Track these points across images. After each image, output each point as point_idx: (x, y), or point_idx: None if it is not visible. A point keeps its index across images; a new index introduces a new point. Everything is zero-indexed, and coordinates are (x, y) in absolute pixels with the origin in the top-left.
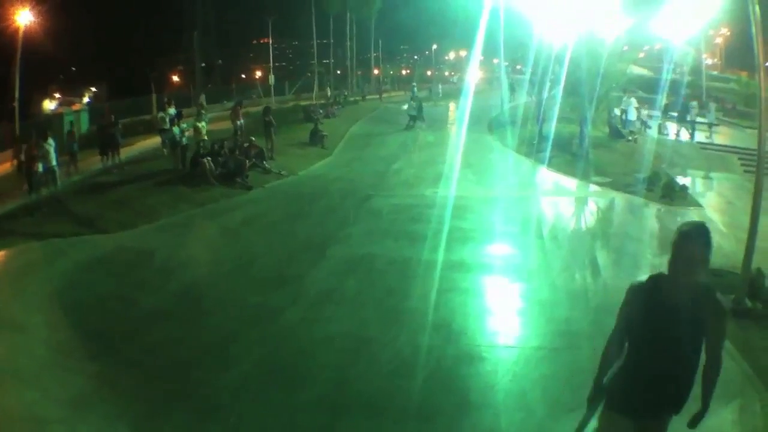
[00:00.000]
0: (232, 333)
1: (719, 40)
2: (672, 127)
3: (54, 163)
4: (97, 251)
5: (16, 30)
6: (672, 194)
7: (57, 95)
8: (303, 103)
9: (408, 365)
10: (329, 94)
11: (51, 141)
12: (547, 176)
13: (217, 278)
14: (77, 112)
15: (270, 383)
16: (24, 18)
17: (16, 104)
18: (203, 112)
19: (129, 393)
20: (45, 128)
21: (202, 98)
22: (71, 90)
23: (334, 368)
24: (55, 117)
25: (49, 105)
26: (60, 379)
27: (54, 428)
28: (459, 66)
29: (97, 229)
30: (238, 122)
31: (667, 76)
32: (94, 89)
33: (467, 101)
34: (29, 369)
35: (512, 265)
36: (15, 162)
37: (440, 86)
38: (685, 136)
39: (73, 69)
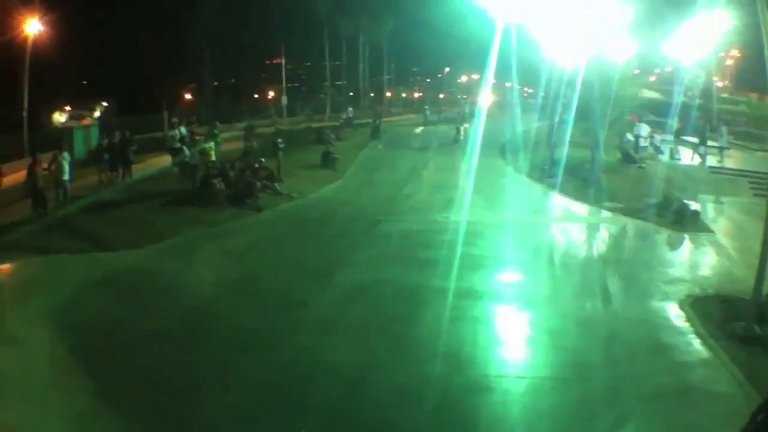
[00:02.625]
0: (234, 357)
1: (730, 62)
2: (684, 152)
3: (66, 177)
4: (102, 269)
5: (26, 39)
6: (683, 219)
7: (67, 108)
8: (315, 125)
9: (415, 395)
10: (346, 116)
11: (66, 155)
12: (558, 202)
13: (222, 301)
14: (87, 126)
15: (270, 410)
16: (32, 27)
17: (24, 114)
18: (216, 132)
19: (129, 413)
20: (61, 141)
21: (214, 125)
22: (81, 104)
23: (338, 397)
24: (65, 130)
25: (59, 118)
26: (60, 395)
27: None
28: (471, 89)
29: (103, 246)
30: (249, 144)
31: (678, 100)
32: (105, 104)
33: (479, 125)
34: (29, 384)
35: (522, 293)
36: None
37: (467, 107)
38: (696, 160)
39: (84, 83)
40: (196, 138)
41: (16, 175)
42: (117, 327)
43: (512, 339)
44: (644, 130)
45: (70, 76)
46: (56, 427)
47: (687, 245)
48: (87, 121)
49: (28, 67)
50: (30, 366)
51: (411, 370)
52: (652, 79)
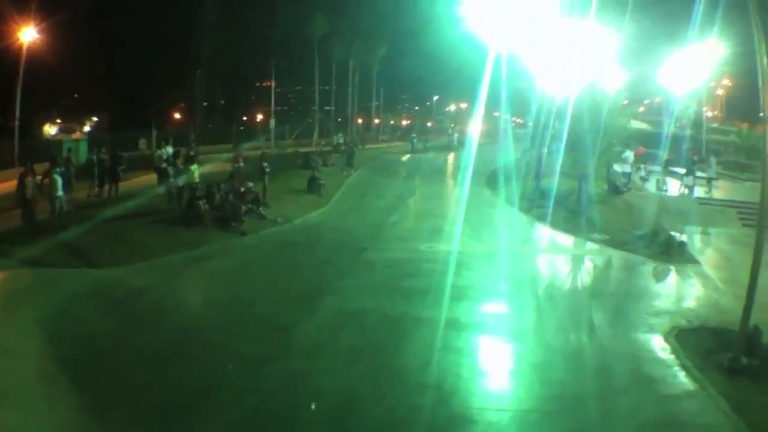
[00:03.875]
0: (219, 381)
1: (720, 92)
2: (672, 183)
3: (60, 193)
4: (88, 285)
5: (20, 48)
6: (670, 251)
7: (58, 120)
8: (302, 149)
9: (398, 425)
10: (336, 141)
11: (58, 171)
12: (545, 233)
13: (207, 323)
14: (77, 140)
15: None
16: (28, 35)
17: (16, 124)
18: (194, 153)
19: (109, 430)
20: (54, 155)
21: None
22: (73, 117)
23: (321, 425)
24: (55, 143)
25: (49, 130)
26: (44, 407)
27: None
28: (460, 117)
29: (90, 262)
30: (236, 165)
31: (668, 130)
32: (95, 119)
33: (468, 154)
34: (15, 393)
35: (507, 325)
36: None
37: (455, 135)
38: (684, 191)
39: (76, 96)
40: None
41: (5, 185)
42: (101, 343)
43: (496, 371)
44: (630, 158)
45: (63, 89)
46: None
47: (673, 277)
48: (77, 135)
49: (21, 76)
50: (11, 379)
51: (395, 400)
52: (641, 110)
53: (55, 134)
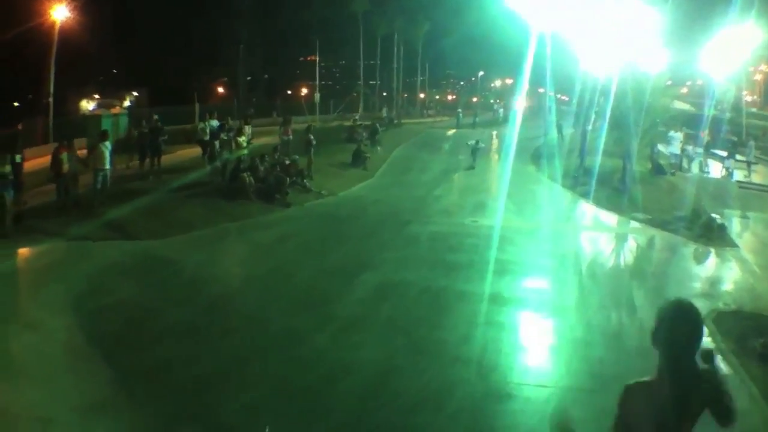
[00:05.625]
0: (254, 353)
1: (759, 77)
2: (713, 165)
3: (107, 166)
4: (126, 257)
5: (53, 24)
6: (710, 234)
7: (96, 96)
8: (347, 123)
9: (435, 400)
10: (384, 115)
11: (108, 144)
12: (588, 210)
13: (245, 295)
14: (116, 115)
15: (289, 408)
16: (60, 13)
17: (50, 100)
18: (248, 125)
19: (143, 404)
20: (104, 130)
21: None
22: (111, 93)
23: (358, 398)
24: (93, 118)
25: (87, 105)
26: (72, 382)
27: (58, 431)
28: (504, 94)
29: (128, 235)
30: (285, 138)
31: (708, 113)
32: (135, 93)
33: (512, 130)
34: (41, 370)
35: (548, 301)
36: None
37: (500, 111)
38: (724, 173)
39: (114, 71)
40: (230, 132)
41: (40, 160)
42: (137, 316)
43: (536, 347)
44: (677, 140)
45: (100, 64)
46: (69, 415)
47: (712, 259)
48: (116, 110)
49: (54, 53)
50: (46, 352)
51: (432, 374)
52: (684, 91)
53: (93, 110)
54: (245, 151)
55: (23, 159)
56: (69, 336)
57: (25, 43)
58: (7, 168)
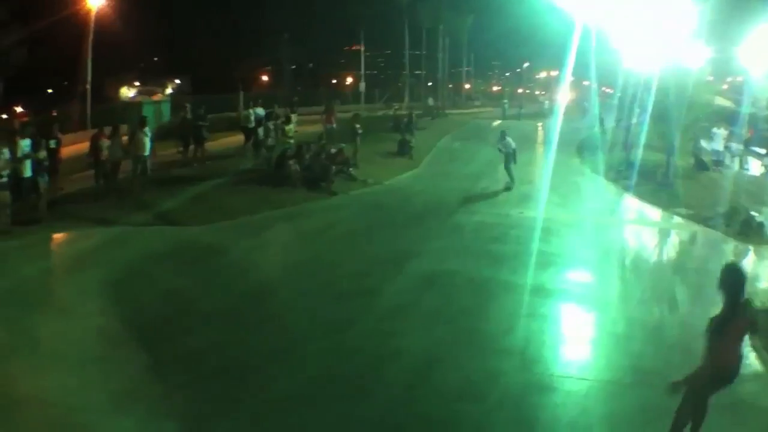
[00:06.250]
0: (297, 340)
1: None
2: (753, 162)
3: (147, 153)
4: (167, 243)
5: (88, 12)
6: (749, 231)
7: (136, 83)
8: (393, 113)
9: (477, 390)
10: (430, 105)
11: (147, 131)
12: (631, 204)
13: (289, 282)
14: (158, 102)
15: (331, 395)
16: (95, 0)
17: (87, 87)
18: (293, 114)
19: (180, 391)
20: (144, 117)
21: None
22: (152, 80)
23: (401, 386)
24: (133, 105)
25: (126, 92)
26: (106, 368)
27: (90, 417)
28: (549, 85)
29: (169, 221)
30: (329, 126)
31: (746, 110)
32: (177, 81)
33: (556, 122)
34: (74, 355)
35: (591, 294)
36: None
37: (546, 103)
38: (763, 170)
39: (155, 59)
40: (277, 120)
41: (77, 147)
42: (177, 301)
43: (578, 339)
44: (719, 136)
45: (141, 52)
46: (105, 401)
47: (751, 257)
48: (157, 97)
49: (91, 39)
50: (84, 337)
51: (475, 364)
52: (725, 87)
53: (133, 96)
54: (291, 141)
55: (59, 144)
56: (105, 321)
57: (61, 31)
58: (43, 153)
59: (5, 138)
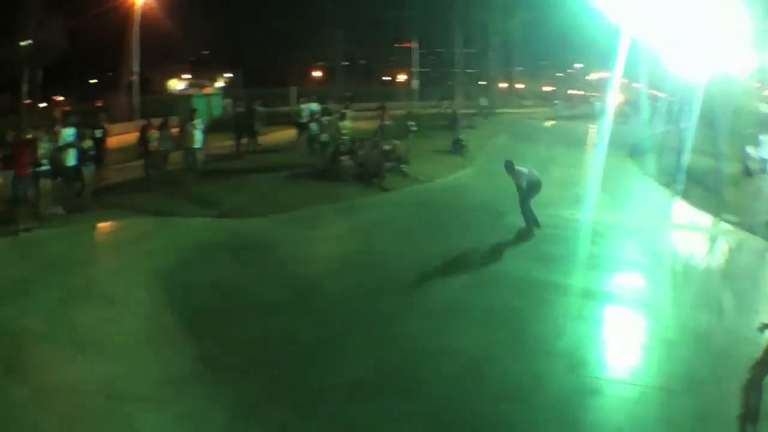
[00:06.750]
0: (346, 334)
1: None
2: None
3: (197, 145)
4: (217, 234)
5: (133, 5)
6: None
7: (187, 76)
8: (443, 110)
9: (524, 391)
10: (483, 104)
11: (197, 123)
12: (682, 208)
13: (339, 277)
14: (209, 95)
15: (379, 389)
16: None
17: (134, 78)
18: (348, 110)
19: (229, 378)
20: (194, 109)
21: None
22: (203, 74)
23: (449, 384)
24: (183, 98)
25: (175, 85)
26: (151, 356)
27: (135, 406)
28: (600, 87)
29: (220, 213)
30: (383, 123)
31: None
32: (229, 75)
33: (608, 125)
34: (119, 344)
35: (640, 299)
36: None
37: (597, 105)
38: None
39: (206, 53)
40: (330, 115)
41: (124, 137)
42: (226, 292)
43: (627, 344)
44: (766, 144)
45: (191, 45)
46: (153, 389)
47: None
48: (208, 90)
49: (136, 31)
50: (133, 327)
51: (524, 365)
52: None
53: (183, 89)
54: (345, 137)
55: (105, 134)
56: (159, 310)
57: (108, 22)
58: (88, 143)
59: (46, 127)
